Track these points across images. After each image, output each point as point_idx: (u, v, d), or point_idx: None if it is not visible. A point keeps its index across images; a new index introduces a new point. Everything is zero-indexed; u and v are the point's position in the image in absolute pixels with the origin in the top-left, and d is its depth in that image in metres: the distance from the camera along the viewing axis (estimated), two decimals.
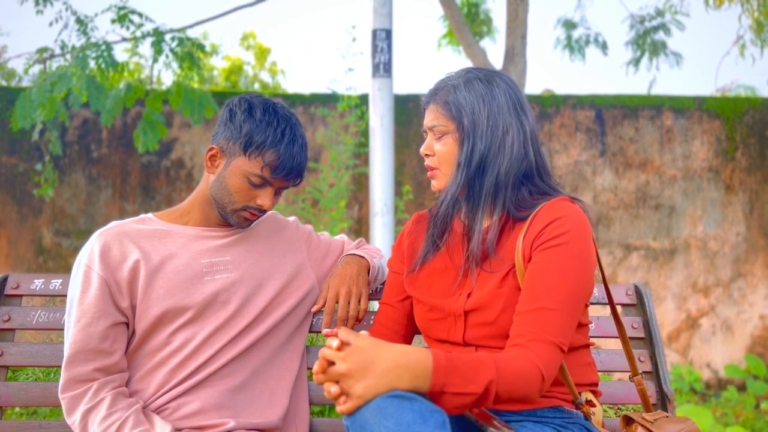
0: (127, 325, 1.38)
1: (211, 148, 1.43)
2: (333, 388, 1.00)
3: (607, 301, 1.52)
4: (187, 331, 1.38)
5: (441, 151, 1.33)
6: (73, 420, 1.31)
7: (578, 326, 1.32)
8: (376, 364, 1.00)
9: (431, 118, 1.35)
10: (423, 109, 1.39)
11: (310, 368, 1.61)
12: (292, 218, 1.65)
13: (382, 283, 1.64)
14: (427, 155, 1.36)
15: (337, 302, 1.49)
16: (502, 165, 1.28)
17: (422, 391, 1.01)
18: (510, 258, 1.29)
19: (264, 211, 1.44)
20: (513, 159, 1.28)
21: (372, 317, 1.63)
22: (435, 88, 1.36)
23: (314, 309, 1.52)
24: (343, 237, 1.71)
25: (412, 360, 1.02)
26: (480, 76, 1.32)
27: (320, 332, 1.59)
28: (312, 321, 1.60)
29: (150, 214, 1.51)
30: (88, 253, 1.38)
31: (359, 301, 1.49)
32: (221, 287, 1.41)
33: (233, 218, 1.44)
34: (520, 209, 1.30)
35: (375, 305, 1.59)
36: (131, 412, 1.30)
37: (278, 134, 1.38)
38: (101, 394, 1.31)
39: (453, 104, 1.30)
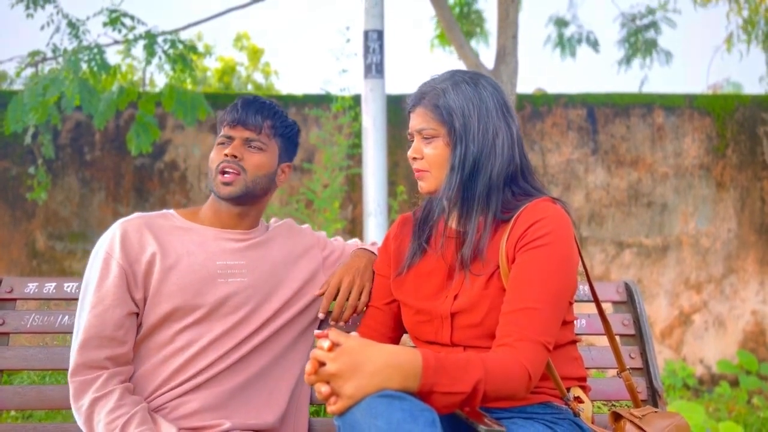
0: (137, 316, 1.39)
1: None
2: (324, 389, 1.02)
3: (600, 299, 1.54)
4: (192, 332, 1.39)
5: (431, 155, 1.33)
6: (81, 404, 1.32)
7: (564, 323, 1.34)
8: (366, 364, 1.01)
9: (419, 121, 1.35)
10: (408, 112, 1.40)
11: None
12: (305, 225, 1.67)
13: None
14: (415, 158, 1.37)
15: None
16: (494, 168, 1.29)
17: (412, 391, 1.02)
18: (494, 260, 1.30)
19: (237, 165, 1.44)
20: (503, 161, 1.30)
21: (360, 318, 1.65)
22: (421, 92, 1.37)
23: (318, 293, 1.54)
24: (356, 242, 1.72)
25: (402, 360, 1.03)
26: (466, 79, 1.33)
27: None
28: (318, 325, 1.61)
29: (172, 210, 1.53)
30: (109, 241, 1.40)
31: (360, 294, 1.50)
32: (233, 291, 1.42)
33: (217, 187, 1.46)
34: (505, 211, 1.32)
35: None
36: (138, 410, 1.31)
37: (237, 101, 1.49)
38: (111, 385, 1.33)
39: (444, 108, 1.31)
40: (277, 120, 1.50)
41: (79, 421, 1.33)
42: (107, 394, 1.31)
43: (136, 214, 1.48)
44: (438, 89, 1.33)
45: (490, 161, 1.29)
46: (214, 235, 1.48)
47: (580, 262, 1.36)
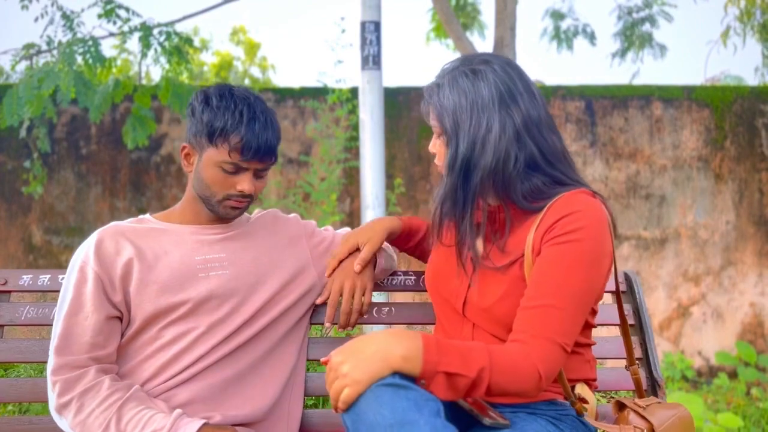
0: (120, 319, 1.38)
1: (184, 147, 1.44)
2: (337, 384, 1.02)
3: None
4: (179, 327, 1.37)
5: (440, 151, 1.32)
6: (66, 400, 1.29)
7: (585, 326, 1.32)
8: (366, 346, 1.02)
9: (429, 118, 1.33)
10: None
11: (309, 360, 1.62)
12: (292, 215, 1.65)
13: (389, 276, 1.67)
14: (433, 153, 1.35)
15: (341, 295, 1.49)
16: (487, 164, 1.23)
17: (416, 371, 1.02)
18: (517, 250, 1.26)
19: (249, 197, 1.43)
20: (500, 155, 1.23)
21: (374, 310, 1.65)
22: (428, 87, 1.33)
23: (319, 301, 1.53)
24: (348, 231, 1.70)
25: (403, 336, 1.03)
26: (467, 71, 1.27)
27: (322, 324, 1.60)
28: (311, 314, 1.60)
29: (148, 215, 1.51)
30: (85, 250, 1.39)
31: (363, 295, 1.49)
32: (215, 285, 1.40)
33: (220, 210, 1.43)
34: (534, 200, 1.26)
35: (379, 297, 1.60)
36: (133, 392, 1.30)
37: (237, 116, 1.37)
38: (100, 377, 1.31)
39: (436, 106, 1.28)
40: (279, 140, 1.45)
41: (66, 418, 1.29)
42: (97, 385, 1.29)
43: (112, 223, 1.46)
44: (436, 85, 1.30)
45: (483, 158, 1.23)
46: (190, 231, 1.46)
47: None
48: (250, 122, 1.37)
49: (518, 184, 1.25)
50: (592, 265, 1.17)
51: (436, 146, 1.33)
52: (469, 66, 1.28)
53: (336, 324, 1.51)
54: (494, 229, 1.32)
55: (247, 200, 1.44)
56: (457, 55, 4.59)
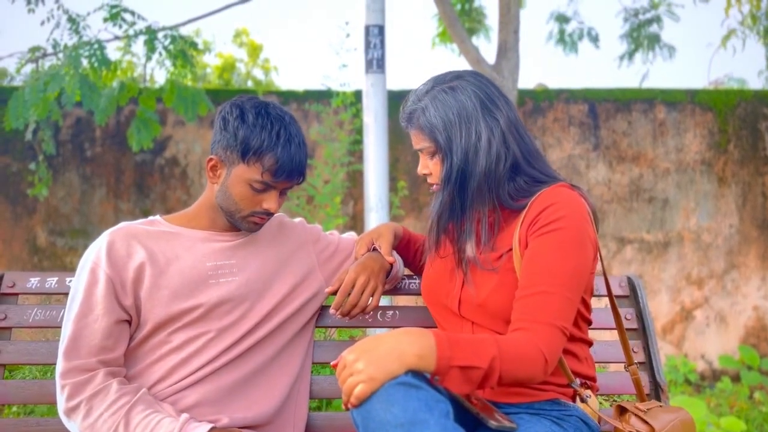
0: (129, 323, 1.39)
1: (211, 159, 1.43)
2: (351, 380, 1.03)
3: (603, 293, 1.54)
4: (189, 331, 1.38)
5: (435, 170, 1.36)
6: (75, 403, 1.30)
7: (581, 320, 1.35)
8: (380, 345, 1.04)
9: (416, 141, 1.38)
10: (405, 130, 1.42)
11: (315, 363, 1.63)
12: (298, 219, 1.66)
13: (394, 287, 1.68)
14: (426, 174, 1.39)
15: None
16: (482, 170, 1.30)
17: (430, 368, 1.04)
18: (507, 245, 1.32)
19: (272, 214, 1.44)
20: (491, 160, 1.30)
21: (379, 314, 1.66)
22: (408, 112, 1.39)
23: (329, 290, 1.53)
24: (353, 235, 1.71)
25: (415, 334, 1.06)
26: (445, 88, 1.34)
27: (327, 328, 1.61)
28: (316, 319, 1.61)
29: (158, 216, 1.51)
30: (96, 251, 1.39)
31: (372, 295, 1.49)
32: (225, 291, 1.41)
33: (243, 224, 1.44)
34: (518, 199, 1.33)
35: (383, 301, 1.61)
36: (140, 395, 1.31)
37: (273, 137, 1.37)
38: (108, 380, 1.32)
39: (426, 127, 1.33)
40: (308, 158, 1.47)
41: (75, 422, 1.30)
42: (105, 388, 1.30)
43: (122, 224, 1.45)
44: (420, 108, 1.35)
45: (478, 165, 1.29)
46: (202, 237, 1.46)
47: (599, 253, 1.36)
48: (285, 144, 1.38)
49: (505, 184, 1.32)
50: (576, 248, 1.24)
51: (429, 166, 1.37)
52: (445, 84, 1.35)
53: (338, 311, 1.51)
54: (485, 230, 1.37)
55: (270, 216, 1.45)
56: (462, 58, 4.59)
